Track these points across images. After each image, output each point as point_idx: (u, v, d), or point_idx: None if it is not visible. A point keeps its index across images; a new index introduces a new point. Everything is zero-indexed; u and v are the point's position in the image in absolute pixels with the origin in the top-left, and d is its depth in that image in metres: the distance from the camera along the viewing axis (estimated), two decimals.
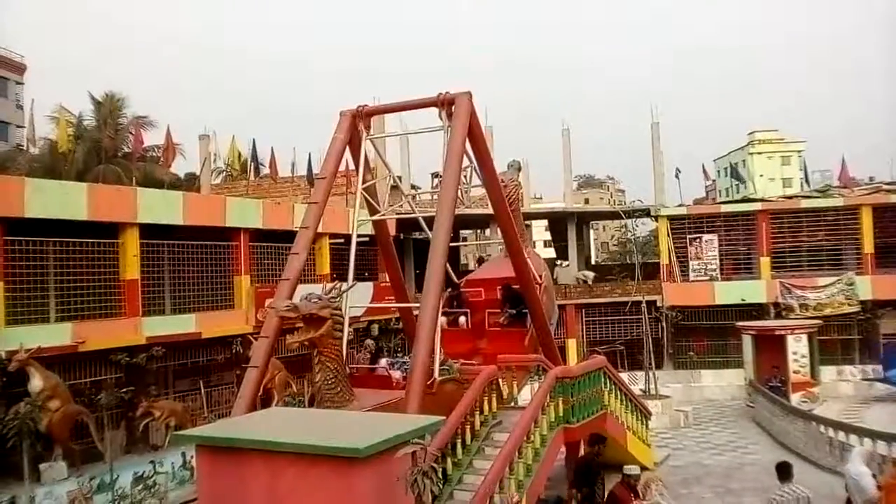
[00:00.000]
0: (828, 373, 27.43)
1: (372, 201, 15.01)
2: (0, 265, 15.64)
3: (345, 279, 13.50)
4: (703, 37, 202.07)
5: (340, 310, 11.17)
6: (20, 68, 51.34)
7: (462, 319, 16.56)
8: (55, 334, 16.32)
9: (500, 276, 17.09)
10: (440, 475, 7.40)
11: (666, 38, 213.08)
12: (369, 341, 17.90)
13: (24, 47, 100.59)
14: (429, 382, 11.71)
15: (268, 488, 6.77)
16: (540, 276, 16.35)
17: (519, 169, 18.30)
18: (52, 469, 15.26)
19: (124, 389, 17.25)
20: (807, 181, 43.84)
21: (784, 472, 10.13)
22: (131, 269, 18.21)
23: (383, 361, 15.01)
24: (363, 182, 14.40)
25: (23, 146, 40.40)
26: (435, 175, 14.60)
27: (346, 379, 11.08)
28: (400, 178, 35.12)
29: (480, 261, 17.58)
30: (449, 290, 16.06)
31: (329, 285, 11.42)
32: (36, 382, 14.89)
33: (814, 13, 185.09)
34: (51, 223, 16.50)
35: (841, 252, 30.70)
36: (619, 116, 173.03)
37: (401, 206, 18.77)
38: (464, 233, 50.81)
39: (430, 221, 12.84)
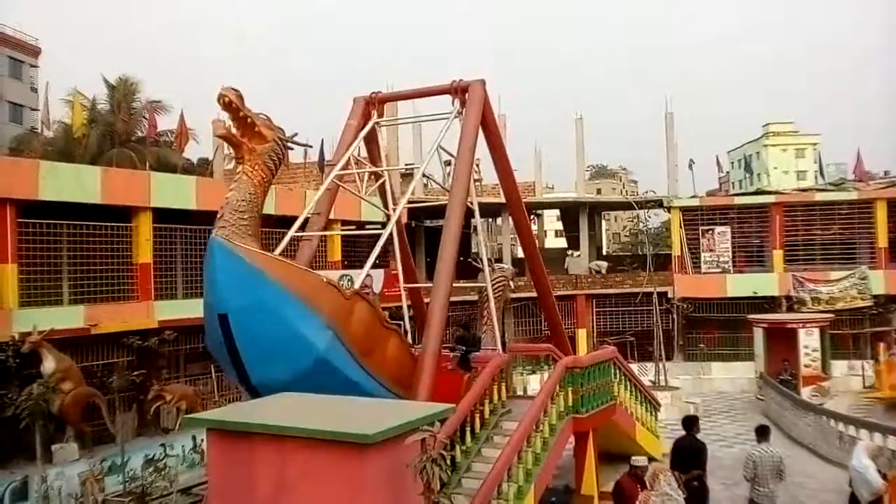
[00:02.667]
0: (839, 367, 27.29)
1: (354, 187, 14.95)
2: (14, 247, 15.74)
3: (355, 267, 13.45)
4: (722, 29, 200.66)
5: (283, 148, 10.09)
6: (35, 51, 51.49)
7: None
8: (68, 317, 16.44)
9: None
10: (449, 462, 7.38)
11: (683, 28, 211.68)
12: None
13: (40, 30, 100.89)
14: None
15: (277, 473, 6.82)
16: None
17: (513, 275, 18.27)
18: (63, 450, 15.38)
19: (136, 372, 17.37)
20: (821, 174, 43.55)
21: (762, 433, 11.83)
22: (144, 252, 18.31)
23: None
24: (376, 169, 14.41)
25: (37, 129, 40.57)
26: (447, 163, 14.45)
27: (257, 217, 9.70)
28: (411, 164, 35.18)
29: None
30: None
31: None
32: (48, 364, 14.99)
33: (833, 7, 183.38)
34: (65, 206, 16.60)
35: (854, 246, 30.53)
36: (634, 106, 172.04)
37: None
38: (474, 221, 50.67)
39: (441, 210, 12.83)
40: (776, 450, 11.75)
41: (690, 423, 12.83)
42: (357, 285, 11.23)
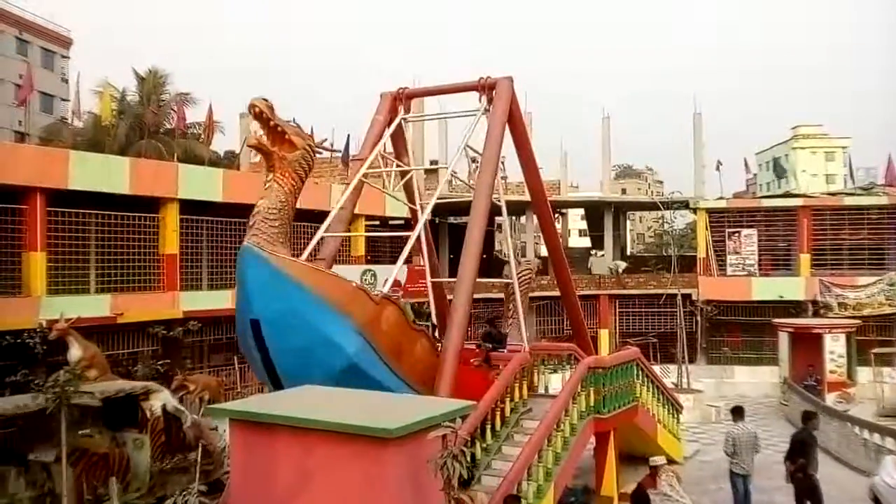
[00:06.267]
0: (864, 374, 26.94)
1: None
2: (43, 235, 15.95)
3: (380, 262, 13.45)
4: (751, 31, 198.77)
5: (313, 155, 10.12)
6: (66, 42, 52.05)
7: None
8: (95, 305, 16.64)
9: None
10: (469, 459, 7.38)
11: (713, 29, 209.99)
12: None
13: (71, 21, 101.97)
14: None
15: (299, 464, 6.84)
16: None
17: (538, 267, 17.94)
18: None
19: (160, 362, 17.55)
20: (851, 178, 42.92)
21: (738, 412, 13.48)
22: (170, 243, 18.49)
23: None
24: (402, 164, 14.40)
25: (67, 119, 41.08)
26: (473, 160, 14.39)
27: (288, 224, 9.82)
28: (437, 161, 35.23)
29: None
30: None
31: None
32: (75, 352, 15.09)
33: (861, 10, 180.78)
34: (93, 196, 16.78)
35: (883, 252, 30.09)
36: (661, 106, 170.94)
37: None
38: (498, 219, 50.61)
39: (465, 206, 12.84)
40: (752, 427, 13.66)
41: (808, 417, 13.37)
42: (386, 287, 11.49)
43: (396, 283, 11.77)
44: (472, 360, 13.25)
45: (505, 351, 14.11)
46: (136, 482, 12.37)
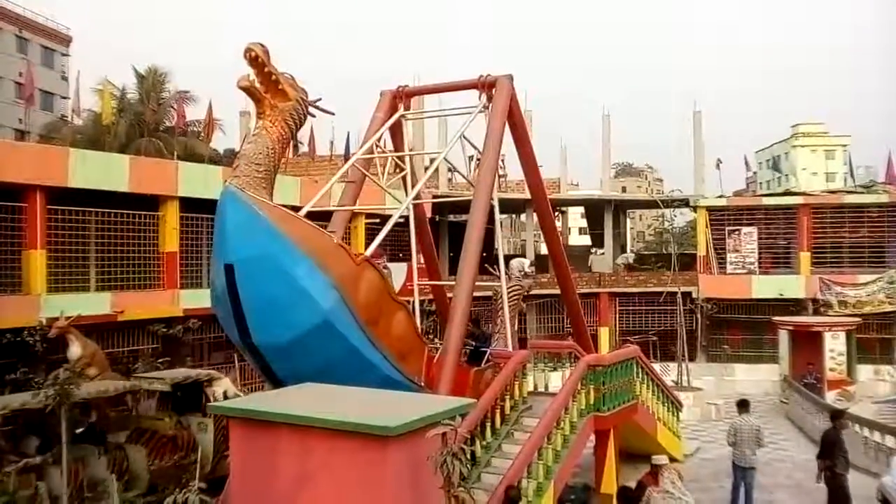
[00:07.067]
0: (865, 371, 26.96)
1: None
2: (43, 233, 15.94)
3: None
4: (751, 31, 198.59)
5: (305, 109, 9.94)
6: (66, 39, 52.05)
7: None
8: (95, 303, 16.63)
9: None
10: (469, 457, 7.36)
11: (713, 29, 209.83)
12: None
13: (70, 19, 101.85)
14: None
15: (299, 462, 6.85)
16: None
17: (530, 288, 17.74)
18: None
19: (160, 360, 17.52)
20: (851, 176, 42.91)
21: (743, 405, 14.07)
22: (171, 241, 18.49)
23: None
24: (401, 162, 14.40)
25: (67, 117, 41.09)
26: (471, 158, 14.32)
27: (273, 172, 9.49)
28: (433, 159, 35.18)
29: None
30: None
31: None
32: (75, 350, 15.10)
33: (860, 11, 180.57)
34: (93, 193, 16.77)
35: (883, 249, 30.10)
36: (661, 104, 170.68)
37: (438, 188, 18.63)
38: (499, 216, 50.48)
39: (465, 204, 12.82)
40: (755, 420, 14.17)
41: (834, 416, 13.60)
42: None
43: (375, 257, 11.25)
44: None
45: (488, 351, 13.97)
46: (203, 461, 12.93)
